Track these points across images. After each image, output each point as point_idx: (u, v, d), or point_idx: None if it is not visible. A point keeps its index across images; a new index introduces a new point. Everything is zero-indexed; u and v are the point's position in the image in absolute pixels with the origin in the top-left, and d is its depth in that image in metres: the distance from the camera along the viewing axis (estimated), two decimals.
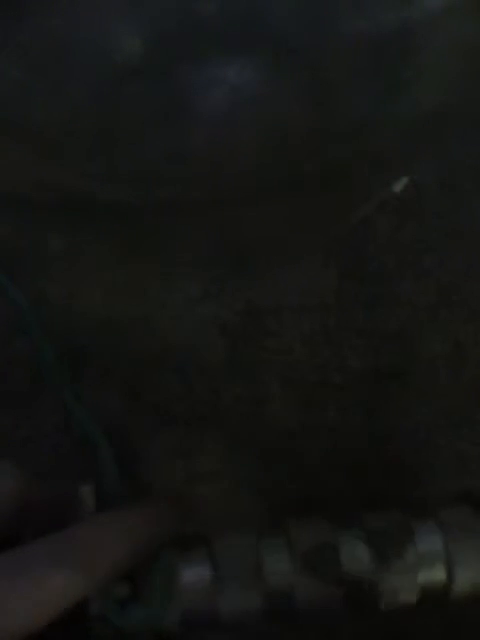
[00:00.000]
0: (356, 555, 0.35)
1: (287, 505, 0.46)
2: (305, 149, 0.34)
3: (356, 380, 0.48)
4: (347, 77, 0.32)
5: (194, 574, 0.34)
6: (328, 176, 0.37)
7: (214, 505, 0.46)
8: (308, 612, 0.35)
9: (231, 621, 0.34)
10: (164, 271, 0.50)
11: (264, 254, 0.47)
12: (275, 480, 0.46)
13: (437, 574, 0.36)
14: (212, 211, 0.39)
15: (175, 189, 0.35)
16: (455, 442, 0.47)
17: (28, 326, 0.47)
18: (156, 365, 0.48)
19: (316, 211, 0.42)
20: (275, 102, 0.32)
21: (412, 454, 0.47)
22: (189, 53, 0.31)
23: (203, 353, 0.49)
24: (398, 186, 0.49)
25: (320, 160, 0.36)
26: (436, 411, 0.48)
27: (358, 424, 0.47)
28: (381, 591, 0.35)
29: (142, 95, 0.32)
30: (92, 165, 0.34)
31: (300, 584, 0.34)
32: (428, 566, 0.35)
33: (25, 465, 0.33)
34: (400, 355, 0.49)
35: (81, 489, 0.34)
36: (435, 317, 0.49)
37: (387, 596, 0.35)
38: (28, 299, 0.48)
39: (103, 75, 0.31)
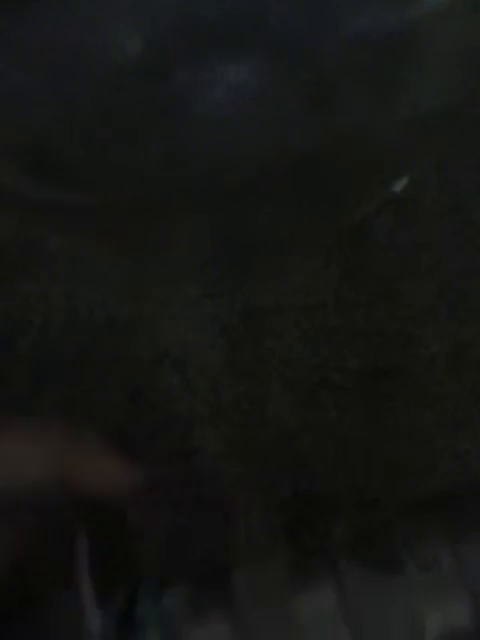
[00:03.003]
0: None
1: (287, 505, 0.46)
2: (305, 149, 0.34)
3: (356, 380, 0.48)
4: (347, 77, 0.32)
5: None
6: (328, 176, 0.37)
7: (213, 505, 0.46)
8: None
9: None
10: (164, 271, 0.50)
11: (264, 254, 0.47)
12: (275, 480, 0.46)
13: None
14: (212, 211, 0.39)
15: (174, 189, 0.35)
16: (455, 442, 0.47)
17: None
18: (156, 365, 0.48)
19: (316, 211, 0.42)
20: (275, 102, 0.32)
21: (412, 454, 0.47)
22: (189, 53, 0.31)
23: (203, 353, 0.49)
24: (398, 186, 0.49)
25: (320, 160, 0.36)
26: (436, 411, 0.48)
27: (358, 424, 0.47)
28: None
29: (142, 95, 0.32)
30: (90, 164, 0.34)
31: None
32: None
33: None
34: (400, 355, 0.49)
35: None
36: (435, 317, 0.49)
37: None
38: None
39: (103, 75, 0.31)
